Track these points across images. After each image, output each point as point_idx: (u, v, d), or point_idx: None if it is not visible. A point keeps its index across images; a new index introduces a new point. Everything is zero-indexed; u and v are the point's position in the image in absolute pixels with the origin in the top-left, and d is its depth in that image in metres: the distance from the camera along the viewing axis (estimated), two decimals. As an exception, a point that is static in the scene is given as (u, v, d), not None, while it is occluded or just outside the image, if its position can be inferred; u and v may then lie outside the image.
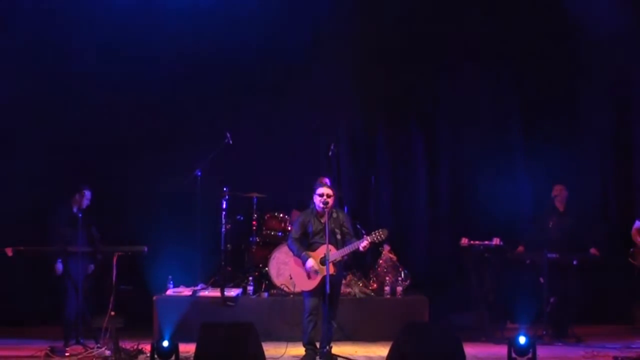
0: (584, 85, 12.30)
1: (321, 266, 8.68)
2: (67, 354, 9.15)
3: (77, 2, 11.74)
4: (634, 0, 11.79)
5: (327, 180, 10.88)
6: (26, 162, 11.46)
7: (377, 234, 8.71)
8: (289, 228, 10.63)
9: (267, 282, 10.93)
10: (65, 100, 11.68)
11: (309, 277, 8.81)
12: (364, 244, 8.64)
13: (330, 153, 12.05)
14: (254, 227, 11.32)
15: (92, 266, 9.87)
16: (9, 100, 11.41)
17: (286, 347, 9.31)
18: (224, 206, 11.08)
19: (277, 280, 10.75)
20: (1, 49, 11.49)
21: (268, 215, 11.42)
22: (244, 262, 11.41)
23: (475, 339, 10.16)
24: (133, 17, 11.68)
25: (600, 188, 12.35)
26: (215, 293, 10.59)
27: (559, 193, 10.67)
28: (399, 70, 12.29)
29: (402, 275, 10.97)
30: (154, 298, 10.44)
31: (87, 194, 9.95)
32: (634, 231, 9.67)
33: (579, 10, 11.77)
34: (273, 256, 10.82)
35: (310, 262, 8.69)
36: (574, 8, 11.78)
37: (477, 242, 10.62)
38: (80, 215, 9.61)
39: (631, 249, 9.68)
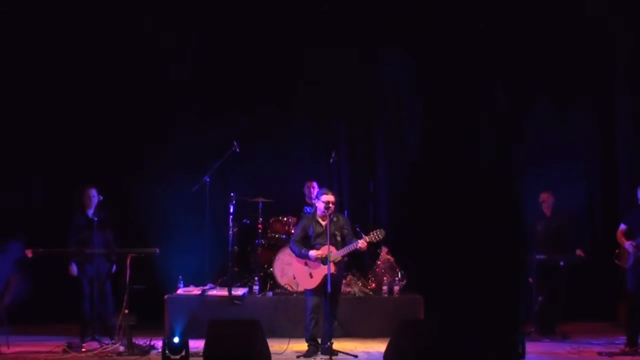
0: (571, 98, 12.31)
1: (322, 265, 8.74)
2: (83, 350, 9.16)
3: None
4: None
5: (314, 184, 10.96)
6: (40, 165, 11.53)
7: (374, 234, 8.76)
8: (293, 231, 10.65)
9: (271, 282, 10.95)
10: (80, 104, 11.72)
11: (311, 276, 8.86)
12: (362, 243, 8.68)
13: (331, 160, 12.07)
14: (260, 230, 11.33)
15: (114, 267, 9.82)
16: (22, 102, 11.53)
17: (288, 343, 9.32)
18: (231, 210, 11.09)
19: (281, 280, 10.76)
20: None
21: (273, 219, 11.43)
22: (250, 263, 11.42)
23: (468, 335, 10.16)
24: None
25: (586, 193, 12.34)
26: (223, 292, 10.60)
27: (545, 199, 10.68)
28: (396, 83, 12.33)
29: (399, 275, 10.98)
30: (165, 297, 10.45)
31: (91, 192, 9.86)
32: (618, 233, 9.66)
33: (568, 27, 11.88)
34: (277, 257, 10.84)
35: (314, 253, 8.76)
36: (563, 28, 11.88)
37: (469, 244, 10.64)
38: (95, 219, 9.60)
39: (616, 251, 9.68)
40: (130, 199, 11.50)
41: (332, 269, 8.61)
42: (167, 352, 8.14)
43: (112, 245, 9.82)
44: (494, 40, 12.00)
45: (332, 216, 8.86)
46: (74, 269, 9.74)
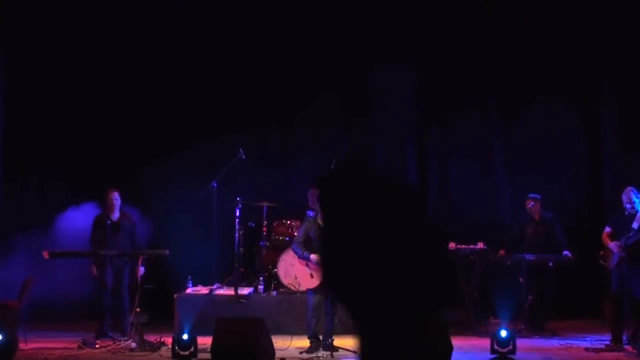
0: (559, 108, 12.33)
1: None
2: (97, 346, 9.16)
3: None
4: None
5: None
6: (54, 170, 11.56)
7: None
8: (295, 234, 10.66)
9: (275, 281, 10.95)
10: (100, 112, 11.76)
11: (312, 276, 8.87)
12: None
13: (332, 167, 12.06)
14: (264, 233, 11.34)
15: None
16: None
17: (291, 340, 9.34)
18: (237, 214, 11.10)
19: (285, 280, 10.76)
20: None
21: (277, 222, 11.44)
22: (255, 264, 11.43)
23: (462, 332, 10.16)
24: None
25: (573, 197, 12.35)
26: (229, 291, 10.62)
27: (533, 205, 10.69)
28: (394, 94, 12.35)
29: (396, 275, 10.97)
30: (175, 296, 10.47)
31: (115, 194, 9.82)
32: (604, 235, 9.69)
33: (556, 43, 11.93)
34: (281, 258, 10.83)
35: (315, 257, 8.77)
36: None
37: (463, 246, 10.63)
38: (109, 222, 9.57)
39: (601, 252, 9.69)
40: (142, 203, 11.50)
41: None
42: (176, 348, 8.17)
43: (139, 245, 9.77)
44: (487, 51, 12.05)
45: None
46: (94, 270, 9.72)
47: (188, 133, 11.85)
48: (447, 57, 12.16)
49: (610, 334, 9.43)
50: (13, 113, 11.73)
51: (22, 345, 9.08)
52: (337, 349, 8.78)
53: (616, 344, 9.20)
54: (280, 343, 9.11)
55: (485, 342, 8.62)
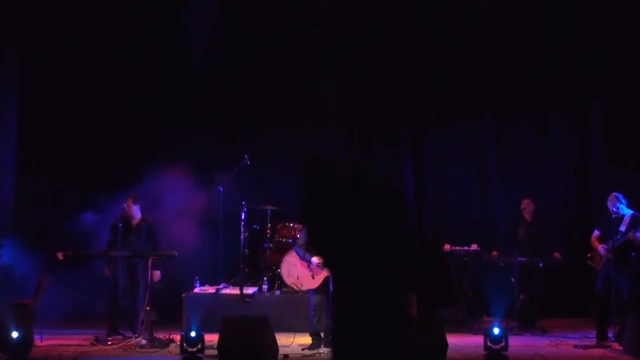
0: (550, 116, 12.39)
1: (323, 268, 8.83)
2: (109, 343, 9.21)
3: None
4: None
5: None
6: (61, 179, 11.63)
7: (371, 240, 8.82)
8: (298, 236, 10.71)
9: (279, 281, 11.00)
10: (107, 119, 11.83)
11: (313, 277, 8.93)
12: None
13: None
14: (268, 235, 11.40)
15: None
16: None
17: (294, 337, 9.38)
18: (243, 217, 11.15)
19: (288, 280, 10.81)
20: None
21: (280, 225, 11.49)
22: (260, 264, 11.47)
23: (456, 330, 10.21)
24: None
25: (563, 201, 12.40)
26: (235, 291, 10.67)
27: (526, 206, 10.75)
28: (392, 101, 12.40)
29: (394, 275, 11.00)
30: (183, 295, 10.52)
31: (130, 201, 9.88)
32: (592, 238, 9.74)
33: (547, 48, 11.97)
34: (284, 260, 10.87)
35: (315, 260, 8.81)
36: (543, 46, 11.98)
37: (458, 247, 10.69)
38: (120, 225, 9.58)
39: (589, 254, 9.74)
40: (151, 206, 11.55)
41: (333, 270, 8.68)
42: (184, 345, 8.21)
43: (157, 248, 9.77)
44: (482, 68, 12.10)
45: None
46: (107, 271, 9.76)
47: (194, 139, 11.90)
48: (446, 64, 12.22)
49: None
50: (28, 113, 11.80)
51: (37, 342, 9.13)
52: (337, 345, 8.81)
53: (600, 341, 9.25)
54: (284, 340, 9.16)
55: (479, 339, 8.65)
